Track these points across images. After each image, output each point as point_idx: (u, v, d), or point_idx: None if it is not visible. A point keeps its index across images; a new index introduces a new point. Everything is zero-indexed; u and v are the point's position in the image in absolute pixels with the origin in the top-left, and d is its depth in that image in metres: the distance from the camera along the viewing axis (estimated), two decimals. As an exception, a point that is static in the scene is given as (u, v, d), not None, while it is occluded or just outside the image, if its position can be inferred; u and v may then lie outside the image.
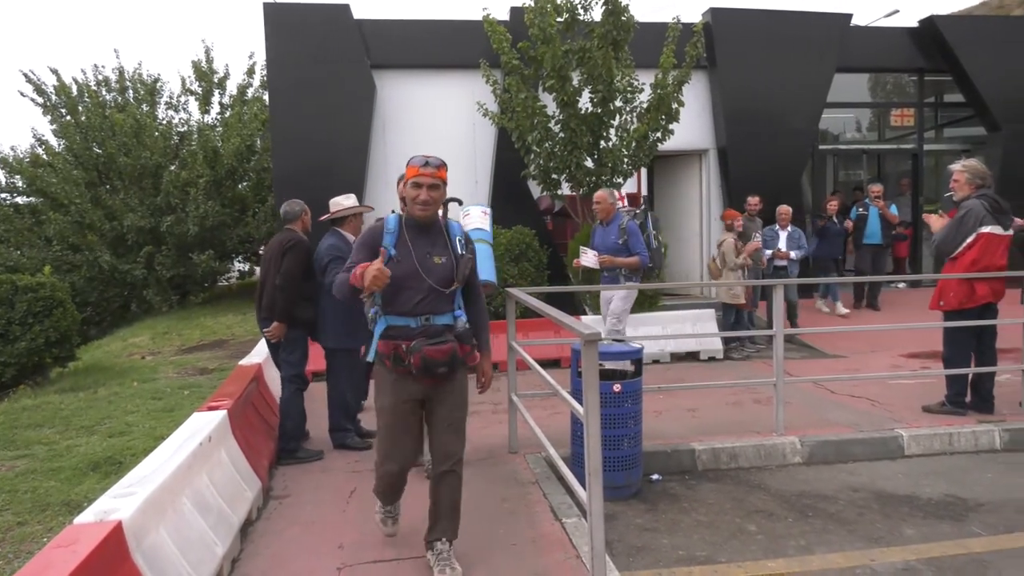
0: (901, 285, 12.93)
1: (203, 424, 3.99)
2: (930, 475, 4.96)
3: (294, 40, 10.63)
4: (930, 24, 13.01)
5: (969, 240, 5.61)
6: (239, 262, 18.84)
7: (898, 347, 8.53)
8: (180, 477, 3.31)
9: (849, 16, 12.56)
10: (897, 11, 19.51)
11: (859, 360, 8.12)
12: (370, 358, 3.31)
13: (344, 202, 5.55)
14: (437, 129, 10.92)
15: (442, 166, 3.26)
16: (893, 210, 11.21)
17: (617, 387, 4.48)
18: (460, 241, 3.38)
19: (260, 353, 6.48)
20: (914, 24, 13.29)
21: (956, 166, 5.89)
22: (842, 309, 10.60)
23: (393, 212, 3.44)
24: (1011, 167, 12.45)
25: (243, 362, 6.18)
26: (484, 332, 3.54)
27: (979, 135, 13.74)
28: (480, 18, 9.68)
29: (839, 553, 3.80)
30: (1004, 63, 12.83)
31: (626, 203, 8.92)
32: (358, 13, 10.92)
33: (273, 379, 6.18)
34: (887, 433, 5.45)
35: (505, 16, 10.66)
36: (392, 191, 10.46)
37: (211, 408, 4.35)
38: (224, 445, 4.15)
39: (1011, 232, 5.68)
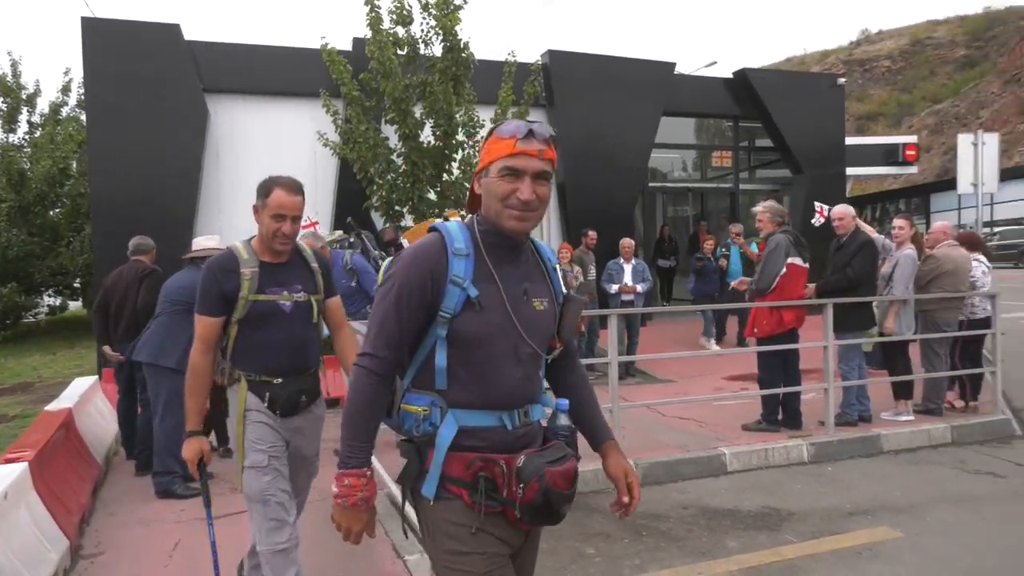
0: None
1: (-3, 479, 3.56)
2: (750, 489, 5.34)
3: (117, 58, 9.93)
4: (742, 76, 14.34)
5: (783, 271, 6.18)
6: (49, 296, 17.14)
7: (723, 371, 9.18)
8: (-35, 541, 2.92)
9: (673, 64, 13.58)
10: (715, 62, 21.39)
11: (687, 384, 8.65)
12: (427, 492, 1.79)
13: (207, 243, 5.40)
14: (276, 158, 10.52)
15: (552, 141, 1.83)
16: (753, 247, 11.96)
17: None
18: (556, 270, 2.05)
19: (71, 397, 5.90)
20: (729, 75, 14.60)
21: (758, 207, 6.55)
22: (713, 346, 10.74)
23: (458, 216, 2.36)
24: (812, 207, 13.88)
25: (50, 407, 5.60)
26: (599, 415, 2.15)
27: (786, 177, 15.24)
28: (319, 47, 9.53)
29: (669, 569, 3.99)
30: (805, 113, 14.36)
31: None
32: (190, 34, 10.40)
33: (88, 425, 5.64)
34: (712, 452, 5.83)
35: (347, 46, 10.58)
36: (231, 219, 10.05)
37: (8, 461, 3.90)
38: (24, 501, 3.72)
39: (808, 265, 6.32)
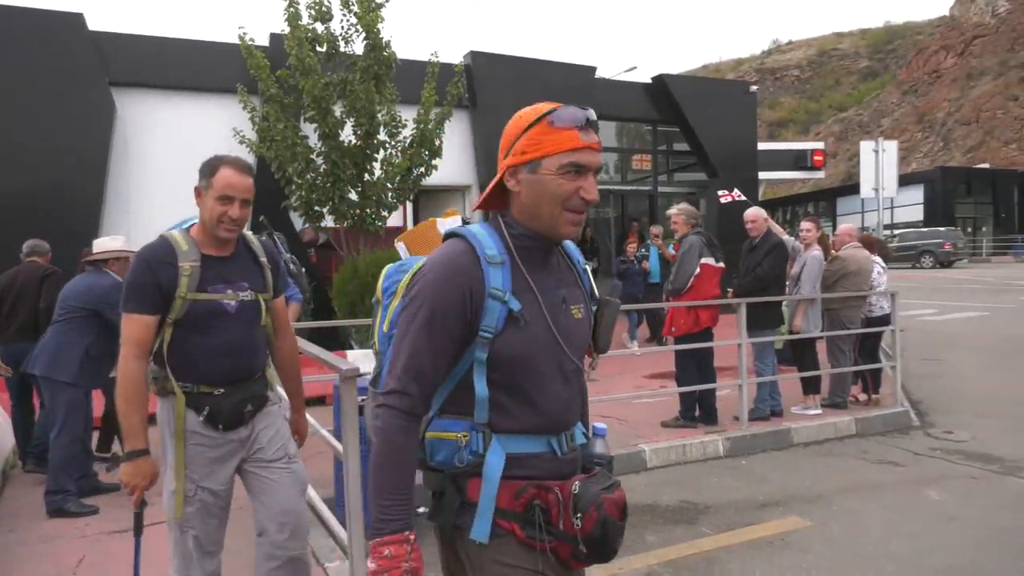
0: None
1: None
2: (668, 484, 5.47)
3: (14, 47, 9.38)
4: (660, 82, 14.71)
5: (697, 272, 6.37)
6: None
7: (643, 369, 9.37)
8: None
9: (593, 68, 13.81)
10: (635, 67, 21.86)
11: (609, 383, 8.79)
12: (478, 535, 1.53)
13: (110, 244, 5.09)
14: (188, 155, 10.04)
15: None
16: (671, 249, 12.21)
17: (381, 422, 4.42)
18: (587, 272, 1.83)
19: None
20: (648, 81, 14.95)
21: (673, 210, 6.74)
22: (635, 347, 10.76)
23: (456, 214, 2.03)
24: (727, 209, 14.37)
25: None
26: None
27: (702, 180, 15.71)
28: (237, 41, 9.25)
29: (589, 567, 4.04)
30: (719, 118, 14.85)
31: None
32: (95, 24, 9.93)
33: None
34: (632, 449, 5.94)
35: (265, 41, 10.30)
36: (140, 221, 9.62)
37: None
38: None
39: (722, 265, 6.54)
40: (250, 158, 10.22)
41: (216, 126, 10.20)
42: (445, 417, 1.58)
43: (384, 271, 1.87)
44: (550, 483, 1.53)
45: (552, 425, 1.60)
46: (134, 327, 2.46)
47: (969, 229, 34.62)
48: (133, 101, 10.18)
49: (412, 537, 1.48)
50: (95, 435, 5.48)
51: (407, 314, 1.54)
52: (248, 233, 2.75)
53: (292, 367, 2.95)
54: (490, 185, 1.67)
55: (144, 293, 2.44)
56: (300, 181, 9.03)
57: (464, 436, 1.54)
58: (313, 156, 9.11)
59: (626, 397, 7.60)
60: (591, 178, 1.57)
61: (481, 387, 1.53)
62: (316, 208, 9.17)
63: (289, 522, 2.67)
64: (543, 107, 1.58)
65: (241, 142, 9.47)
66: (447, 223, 2.00)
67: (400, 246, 2.18)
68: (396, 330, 1.59)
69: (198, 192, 2.57)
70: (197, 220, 2.65)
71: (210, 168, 2.54)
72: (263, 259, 2.73)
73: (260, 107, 9.38)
